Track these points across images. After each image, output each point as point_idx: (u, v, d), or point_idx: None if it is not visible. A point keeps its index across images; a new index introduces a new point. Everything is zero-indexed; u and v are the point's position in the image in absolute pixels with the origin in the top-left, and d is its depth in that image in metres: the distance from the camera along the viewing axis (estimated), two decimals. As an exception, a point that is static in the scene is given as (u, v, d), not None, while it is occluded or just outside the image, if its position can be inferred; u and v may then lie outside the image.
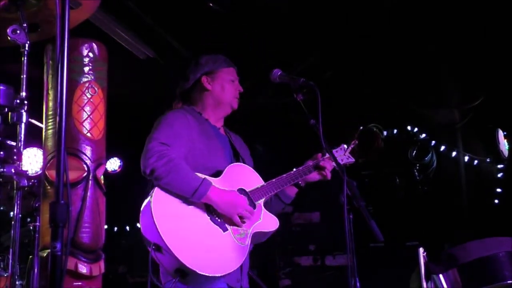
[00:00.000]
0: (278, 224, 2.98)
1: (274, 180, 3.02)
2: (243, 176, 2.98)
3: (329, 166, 3.10)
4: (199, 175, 2.76)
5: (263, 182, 3.01)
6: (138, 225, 2.74)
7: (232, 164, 2.97)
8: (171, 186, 2.69)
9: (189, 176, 2.71)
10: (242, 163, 3.06)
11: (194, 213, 2.73)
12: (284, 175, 3.05)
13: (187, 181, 2.69)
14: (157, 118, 2.95)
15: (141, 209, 2.72)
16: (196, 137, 2.90)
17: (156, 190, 2.69)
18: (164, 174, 2.66)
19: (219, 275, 2.65)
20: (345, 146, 3.26)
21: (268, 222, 2.96)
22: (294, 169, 3.09)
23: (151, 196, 2.67)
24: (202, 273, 2.58)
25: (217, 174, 2.89)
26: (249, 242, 2.82)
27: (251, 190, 2.95)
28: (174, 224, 2.65)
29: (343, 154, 3.24)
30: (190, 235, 2.65)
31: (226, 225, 2.77)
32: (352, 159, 3.24)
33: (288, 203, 3.19)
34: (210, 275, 2.61)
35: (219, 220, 2.77)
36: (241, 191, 2.92)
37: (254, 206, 2.91)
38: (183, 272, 2.61)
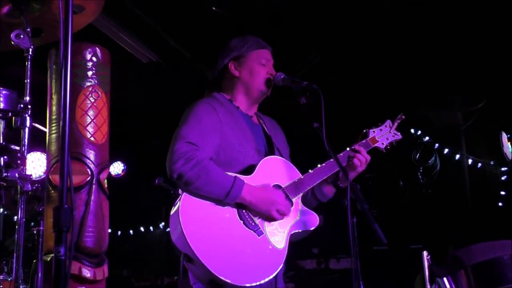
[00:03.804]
0: (318, 221, 2.75)
1: (311, 171, 2.78)
2: (278, 170, 2.76)
3: (363, 150, 2.82)
4: (230, 174, 2.59)
5: (300, 175, 2.78)
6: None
7: (265, 158, 2.76)
8: (202, 191, 2.52)
9: (220, 177, 2.54)
10: (277, 156, 2.83)
11: (225, 219, 2.55)
12: (324, 163, 2.79)
13: (219, 182, 2.52)
14: (185, 109, 2.76)
15: (170, 217, 2.55)
16: (227, 130, 2.72)
17: (184, 196, 2.53)
18: (194, 178, 2.50)
19: (255, 284, 2.47)
20: (390, 122, 3.01)
21: (306, 220, 2.73)
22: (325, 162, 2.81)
23: (179, 203, 2.50)
24: (236, 284, 2.41)
25: (250, 169, 2.70)
26: (287, 244, 2.62)
27: (287, 185, 2.73)
28: (205, 232, 2.47)
29: (389, 132, 3.00)
30: (222, 244, 2.48)
31: (262, 228, 2.59)
32: (399, 136, 3.00)
33: (324, 201, 2.91)
34: (245, 285, 2.44)
35: (253, 223, 2.59)
36: (277, 187, 2.70)
37: (291, 204, 2.70)
38: (216, 283, 2.43)
